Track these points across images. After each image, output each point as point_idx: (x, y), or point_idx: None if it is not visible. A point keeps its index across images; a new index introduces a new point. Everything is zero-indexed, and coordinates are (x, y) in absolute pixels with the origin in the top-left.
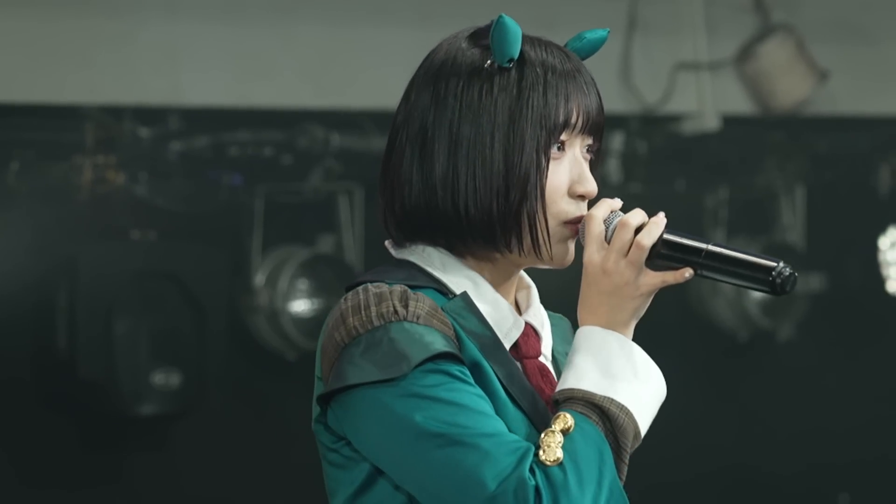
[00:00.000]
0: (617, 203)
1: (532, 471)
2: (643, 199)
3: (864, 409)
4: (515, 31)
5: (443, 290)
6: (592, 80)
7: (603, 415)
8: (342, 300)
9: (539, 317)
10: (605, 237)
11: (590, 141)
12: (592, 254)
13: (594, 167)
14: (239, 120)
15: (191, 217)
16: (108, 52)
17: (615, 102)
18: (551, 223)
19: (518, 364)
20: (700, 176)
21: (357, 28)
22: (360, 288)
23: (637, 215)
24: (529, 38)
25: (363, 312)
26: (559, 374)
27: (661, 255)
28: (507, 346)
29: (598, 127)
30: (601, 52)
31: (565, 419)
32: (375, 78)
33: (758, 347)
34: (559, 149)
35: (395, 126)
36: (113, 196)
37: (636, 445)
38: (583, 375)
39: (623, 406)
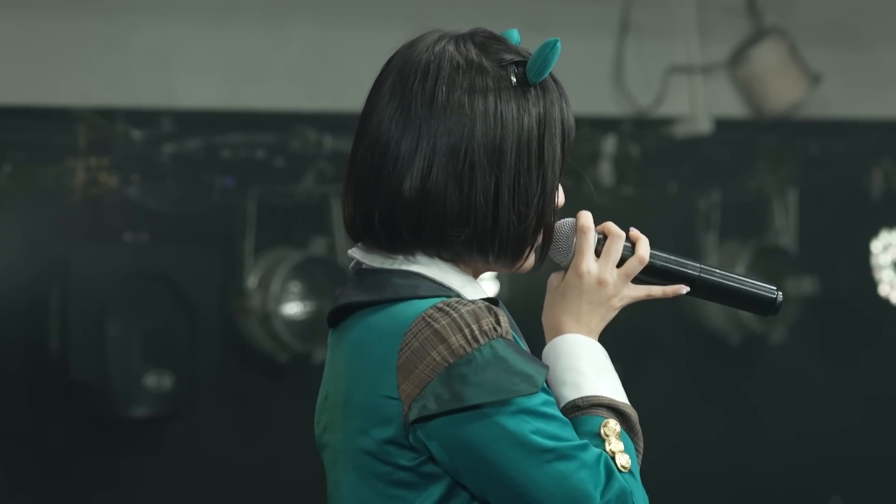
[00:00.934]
0: None
1: (622, 478)
2: (636, 202)
3: (856, 411)
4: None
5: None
6: None
7: (624, 420)
8: (424, 319)
9: None
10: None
11: None
12: (589, 264)
13: None
14: (231, 122)
15: (183, 219)
16: (100, 54)
17: (608, 105)
18: None
19: None
20: (692, 179)
21: (349, 30)
22: (441, 305)
23: (616, 227)
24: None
25: (466, 331)
26: None
27: (649, 270)
28: None
29: None
30: (594, 54)
31: (613, 425)
32: (368, 80)
33: (750, 350)
34: None
35: (401, 137)
36: (105, 198)
37: None
38: (596, 383)
39: (635, 411)
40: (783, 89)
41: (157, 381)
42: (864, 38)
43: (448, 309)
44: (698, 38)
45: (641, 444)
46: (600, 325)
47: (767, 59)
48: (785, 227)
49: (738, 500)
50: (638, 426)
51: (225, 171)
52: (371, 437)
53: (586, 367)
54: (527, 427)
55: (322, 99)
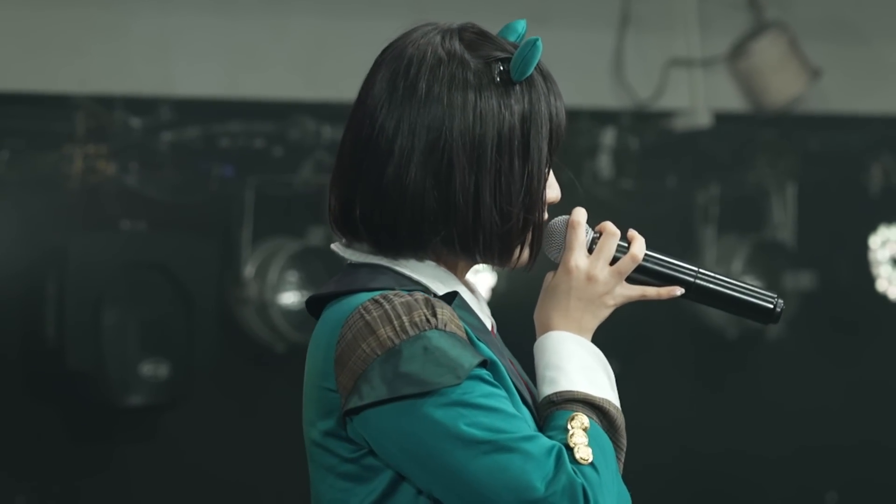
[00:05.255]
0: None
1: (574, 471)
2: (634, 195)
3: (854, 407)
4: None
5: (427, 291)
6: None
7: (602, 415)
8: (359, 311)
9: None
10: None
11: None
12: (578, 259)
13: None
14: (230, 111)
15: (181, 208)
16: (99, 42)
17: (607, 98)
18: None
19: None
20: (691, 172)
21: (349, 20)
22: (378, 297)
23: (613, 226)
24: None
25: (395, 322)
26: None
27: (643, 270)
28: None
29: None
30: (594, 47)
31: (581, 419)
32: (367, 70)
33: (747, 345)
34: None
35: (381, 129)
36: (103, 186)
37: None
38: (574, 378)
39: (617, 407)
40: (783, 84)
41: (153, 369)
42: (865, 33)
43: (382, 301)
44: (699, 31)
45: (624, 442)
46: (592, 323)
47: (768, 53)
48: (783, 221)
49: (734, 494)
50: (619, 422)
51: (223, 160)
52: (317, 428)
53: (567, 364)
54: (460, 419)
55: (321, 88)
